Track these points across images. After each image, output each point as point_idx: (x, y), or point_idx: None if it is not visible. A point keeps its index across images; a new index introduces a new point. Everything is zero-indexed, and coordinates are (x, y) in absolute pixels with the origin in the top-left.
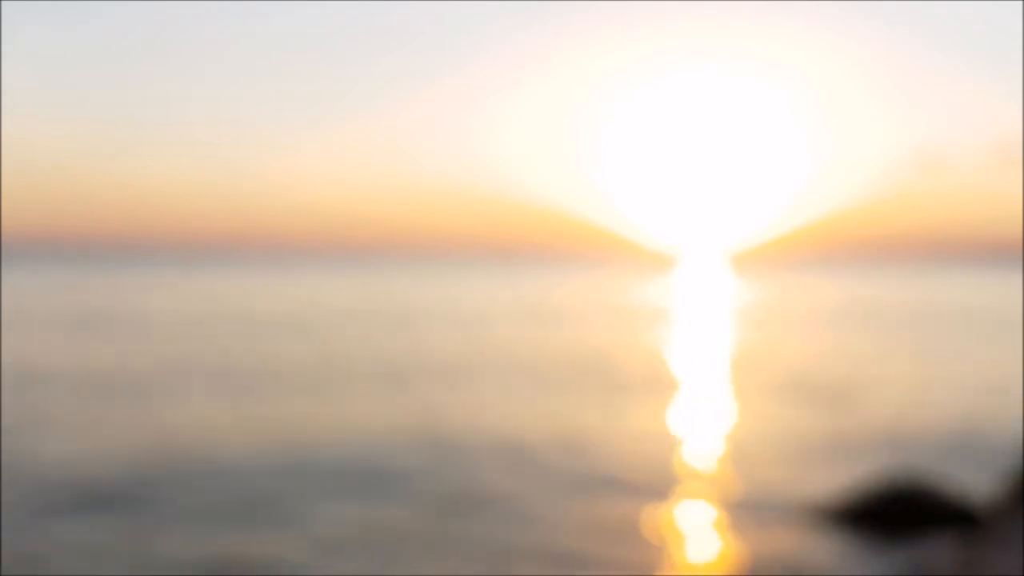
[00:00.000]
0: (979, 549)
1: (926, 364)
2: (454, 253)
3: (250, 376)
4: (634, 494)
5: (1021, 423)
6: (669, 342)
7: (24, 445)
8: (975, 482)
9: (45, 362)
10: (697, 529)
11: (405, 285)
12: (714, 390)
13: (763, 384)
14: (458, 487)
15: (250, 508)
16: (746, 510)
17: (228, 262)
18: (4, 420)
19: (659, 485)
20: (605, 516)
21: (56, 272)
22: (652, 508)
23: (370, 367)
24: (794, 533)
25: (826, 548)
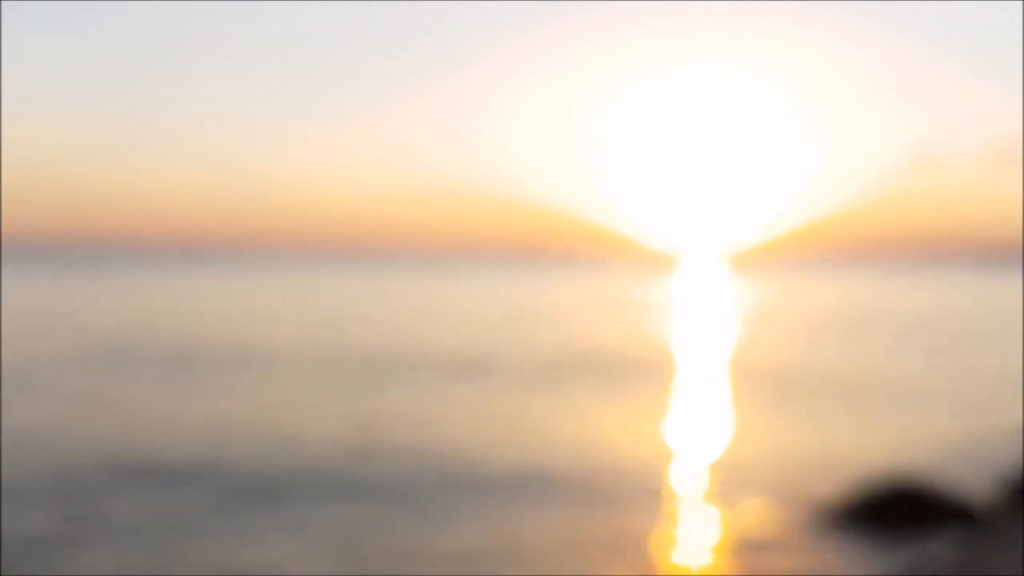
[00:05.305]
0: (979, 549)
1: (925, 364)
2: (457, 253)
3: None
4: (630, 494)
5: (1021, 424)
6: (668, 342)
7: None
8: (975, 482)
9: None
10: (695, 530)
11: (407, 285)
12: (712, 390)
13: (762, 384)
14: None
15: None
16: (745, 510)
17: (231, 262)
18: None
19: (655, 486)
20: (599, 516)
21: (56, 272)
22: (648, 509)
23: (349, 362)
24: (794, 533)
25: (826, 548)
